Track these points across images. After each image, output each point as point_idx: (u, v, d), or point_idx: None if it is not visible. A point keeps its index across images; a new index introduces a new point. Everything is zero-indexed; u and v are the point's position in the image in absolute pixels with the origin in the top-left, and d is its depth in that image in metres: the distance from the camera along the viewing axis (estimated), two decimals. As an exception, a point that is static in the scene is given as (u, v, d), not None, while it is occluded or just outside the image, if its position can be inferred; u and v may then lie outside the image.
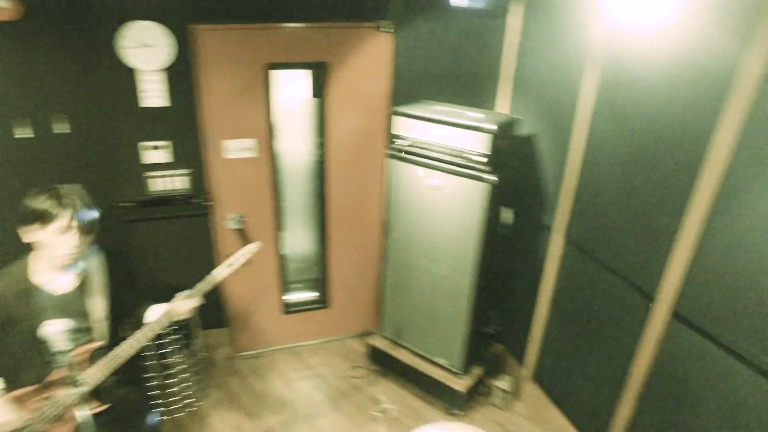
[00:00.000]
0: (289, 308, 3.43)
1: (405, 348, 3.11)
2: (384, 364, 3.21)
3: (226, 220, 2.99)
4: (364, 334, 3.56)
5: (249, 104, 2.78)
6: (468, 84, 3.03)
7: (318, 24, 2.73)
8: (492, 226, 2.55)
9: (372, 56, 2.89)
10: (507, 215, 2.67)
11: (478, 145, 2.44)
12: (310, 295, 3.55)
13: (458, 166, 2.52)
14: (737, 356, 1.78)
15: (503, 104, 2.96)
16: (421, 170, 2.65)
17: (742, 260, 1.72)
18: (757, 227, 1.66)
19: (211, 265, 3.05)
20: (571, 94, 2.43)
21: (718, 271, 1.81)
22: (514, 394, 3.10)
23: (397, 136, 2.72)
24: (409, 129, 2.68)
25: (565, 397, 2.78)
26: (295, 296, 3.52)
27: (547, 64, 2.62)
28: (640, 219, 2.13)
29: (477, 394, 3.06)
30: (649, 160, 2.06)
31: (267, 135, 2.89)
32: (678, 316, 2.00)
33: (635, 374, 2.24)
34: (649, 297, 2.12)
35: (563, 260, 2.61)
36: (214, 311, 3.23)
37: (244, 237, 3.07)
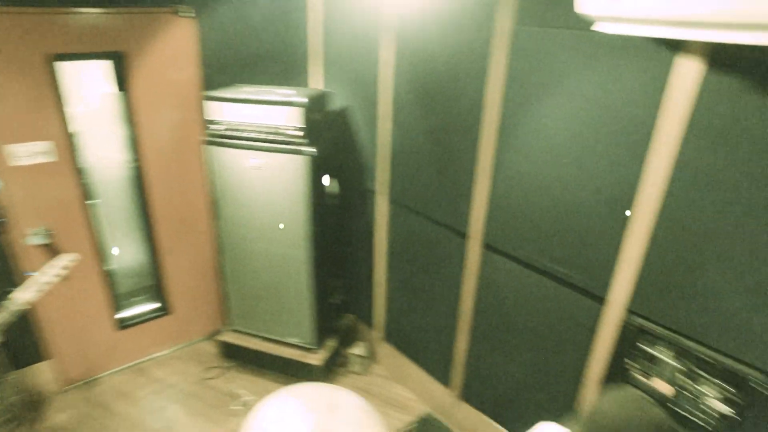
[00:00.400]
0: (125, 323, 3.14)
1: (256, 336, 3.06)
2: (238, 357, 3.12)
3: (27, 237, 2.62)
4: (213, 333, 3.40)
5: (34, 102, 2.47)
6: (280, 65, 3.06)
7: (109, 9, 2.52)
8: (318, 197, 2.63)
9: (175, 43, 2.76)
10: (332, 185, 2.76)
11: (292, 120, 2.49)
12: (150, 306, 3.29)
13: (276, 143, 2.54)
14: (534, 269, 2.09)
15: (316, 81, 3.05)
16: (240, 152, 2.62)
17: (523, 187, 2.03)
18: (528, 156, 1.97)
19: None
20: (372, 63, 2.60)
21: (509, 200, 2.11)
22: (371, 357, 3.24)
23: (212, 122, 2.65)
24: (222, 113, 2.63)
25: (415, 348, 2.98)
26: (131, 310, 3.23)
27: (350, 39, 2.76)
28: (445, 168, 2.37)
29: (335, 365, 3.14)
30: (444, 113, 2.30)
31: (65, 135, 2.59)
32: (487, 246, 2.28)
33: (464, 308, 2.50)
34: (463, 235, 2.38)
35: (391, 220, 2.80)
36: (30, 344, 2.83)
37: (56, 254, 2.73)
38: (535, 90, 1.88)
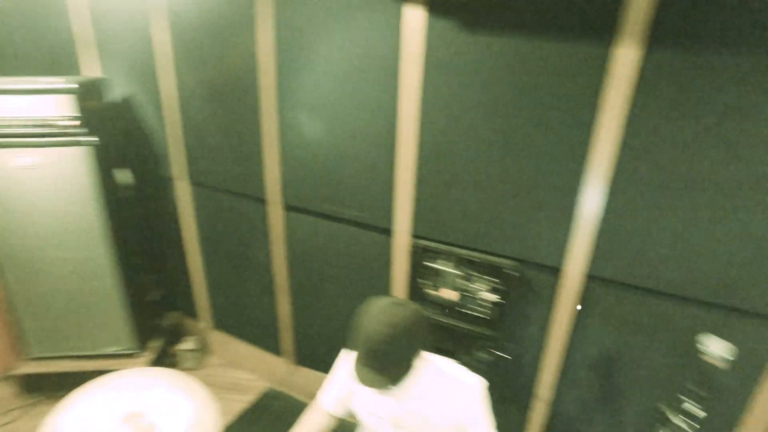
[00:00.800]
0: None
1: (65, 357, 2.74)
2: (45, 387, 2.77)
3: None
4: (7, 372, 2.92)
5: None
6: (47, 56, 2.77)
7: None
8: (110, 190, 2.46)
9: None
10: (124, 176, 2.61)
11: (64, 110, 2.29)
12: None
13: (50, 137, 2.31)
14: (332, 218, 2.28)
15: (92, 70, 2.81)
16: (3, 152, 2.31)
17: (308, 143, 2.19)
18: (307, 113, 2.13)
19: None
20: (147, 45, 2.51)
21: (298, 158, 2.26)
22: (202, 349, 3.15)
23: (-42, 120, 2.30)
24: (-28, 110, 2.29)
25: (244, 328, 2.98)
26: None
27: (122, 25, 2.61)
28: (236, 140, 2.42)
29: (165, 366, 2.97)
30: (225, 85, 2.35)
31: None
32: (287, 206, 2.40)
33: (279, 273, 2.59)
34: (263, 201, 2.46)
35: (195, 202, 2.75)
36: None
37: None
38: (304, 50, 2.04)
